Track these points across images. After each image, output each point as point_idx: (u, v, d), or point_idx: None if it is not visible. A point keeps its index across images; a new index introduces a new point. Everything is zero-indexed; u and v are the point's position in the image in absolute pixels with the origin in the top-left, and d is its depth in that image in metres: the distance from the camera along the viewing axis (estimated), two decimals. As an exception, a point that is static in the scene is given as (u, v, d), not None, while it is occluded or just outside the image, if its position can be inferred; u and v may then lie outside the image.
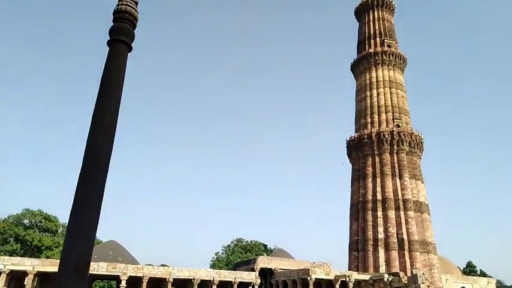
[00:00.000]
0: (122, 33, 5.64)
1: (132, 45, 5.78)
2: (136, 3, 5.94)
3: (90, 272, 28.23)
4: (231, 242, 62.80)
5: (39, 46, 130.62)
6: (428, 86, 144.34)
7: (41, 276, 30.09)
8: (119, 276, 30.05)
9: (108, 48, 5.70)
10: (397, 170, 44.60)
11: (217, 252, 62.53)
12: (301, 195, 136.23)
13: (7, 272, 27.68)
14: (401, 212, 42.90)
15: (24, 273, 29.23)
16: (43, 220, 52.71)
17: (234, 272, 35.19)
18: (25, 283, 29.84)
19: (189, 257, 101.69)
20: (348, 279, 27.62)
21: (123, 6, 5.74)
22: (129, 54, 5.80)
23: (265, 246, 60.48)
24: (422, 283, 22.30)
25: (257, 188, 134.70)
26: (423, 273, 25.04)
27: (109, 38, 5.70)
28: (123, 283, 29.67)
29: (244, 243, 61.64)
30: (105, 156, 4.98)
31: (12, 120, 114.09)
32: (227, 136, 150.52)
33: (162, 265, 44.77)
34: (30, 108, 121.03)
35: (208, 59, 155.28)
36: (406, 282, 24.03)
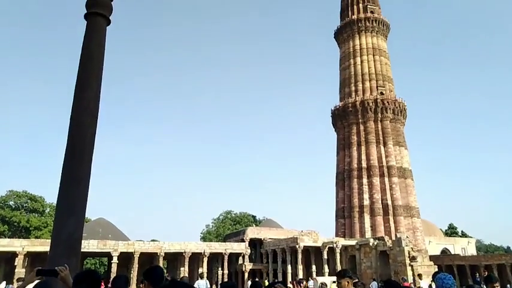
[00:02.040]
0: (100, 6, 5.46)
1: (110, 18, 5.60)
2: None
3: (81, 250, 28.40)
4: (220, 214, 63.71)
5: (17, 18, 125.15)
6: (410, 52, 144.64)
7: (31, 256, 30.15)
8: (110, 252, 30.30)
9: (85, 22, 5.52)
10: (381, 138, 45.25)
11: (208, 225, 63.46)
12: (288, 165, 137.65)
13: (-4, 254, 27.62)
14: (386, 179, 43.89)
15: (14, 254, 29.23)
16: (29, 201, 52.24)
17: (224, 243, 35.85)
18: (15, 264, 29.92)
19: (179, 231, 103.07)
20: (335, 245, 28.41)
21: (99, -24, 5.50)
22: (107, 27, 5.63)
23: (254, 217, 61.47)
24: (406, 245, 23.12)
25: (244, 160, 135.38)
26: (407, 236, 25.91)
27: (86, 12, 5.51)
28: (115, 259, 29.96)
29: (233, 215, 62.51)
30: (90, 131, 4.92)
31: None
32: (212, 109, 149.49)
33: (153, 240, 45.29)
34: (10, 84, 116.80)
35: (191, 31, 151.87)
36: (391, 245, 24.86)
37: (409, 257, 22.59)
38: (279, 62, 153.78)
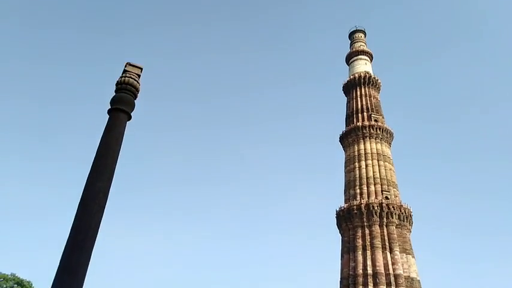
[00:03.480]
0: (123, 103, 5.92)
1: (131, 114, 6.05)
2: (139, 76, 6.32)
3: None
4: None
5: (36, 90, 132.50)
6: (413, 159, 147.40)
7: None
8: None
9: (108, 116, 5.93)
10: (387, 243, 43.99)
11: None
12: (290, 269, 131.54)
13: None
14: (393, 288, 41.56)
15: None
16: (15, 285, 49.59)
17: None
18: None
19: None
20: None
21: (126, 78, 6.09)
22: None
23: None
24: None
25: (247, 263, 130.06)
26: None
27: (110, 107, 5.96)
28: None
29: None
30: (95, 222, 5.00)
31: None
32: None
33: None
34: (22, 164, 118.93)
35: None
36: None
37: None
38: (287, 157, 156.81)
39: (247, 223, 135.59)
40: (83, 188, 5.21)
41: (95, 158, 5.47)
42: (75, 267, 4.62)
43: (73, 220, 4.96)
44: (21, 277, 50.50)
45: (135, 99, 6.08)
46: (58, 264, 4.62)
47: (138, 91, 6.11)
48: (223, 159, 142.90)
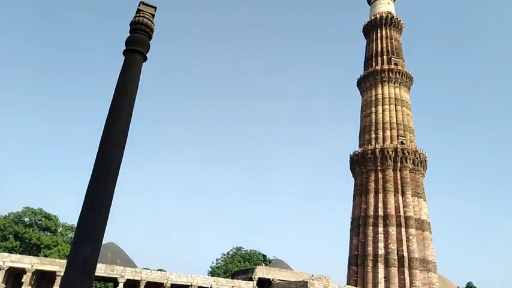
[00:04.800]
0: (138, 44, 5.83)
1: (147, 55, 5.98)
2: (153, 15, 6.15)
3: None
4: (231, 250, 62.78)
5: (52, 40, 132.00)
6: (433, 104, 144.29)
7: (39, 275, 30.16)
8: (116, 278, 30.05)
9: (123, 57, 5.89)
10: (399, 187, 44.60)
11: (217, 259, 62.48)
12: (302, 207, 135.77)
13: (6, 269, 27.77)
14: (403, 229, 42.79)
15: (22, 271, 29.34)
16: (43, 219, 52.86)
17: (231, 280, 35.07)
18: (23, 280, 29.94)
19: (187, 263, 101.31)
20: (345, 294, 27.43)
21: (140, 18, 5.94)
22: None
23: (264, 256, 60.26)
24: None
25: (258, 197, 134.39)
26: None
27: (125, 48, 5.89)
28: (121, 286, 29.66)
29: (243, 252, 61.46)
30: (116, 162, 5.15)
31: (17, 116, 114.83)
32: (232, 141, 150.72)
33: (159, 270, 44.65)
34: (38, 104, 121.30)
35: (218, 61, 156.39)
36: (404, 300, 23.82)
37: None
38: (300, 97, 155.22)
39: (263, 162, 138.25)
40: (102, 130, 5.31)
41: (112, 100, 5.51)
42: (98, 207, 4.85)
43: (95, 160, 5.12)
44: (47, 211, 53.81)
45: (150, 39, 5.96)
46: (83, 202, 4.85)
47: (152, 31, 5.97)
48: (240, 104, 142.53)
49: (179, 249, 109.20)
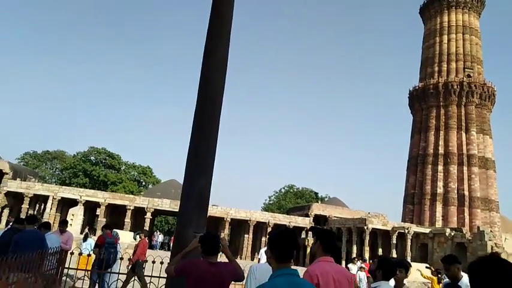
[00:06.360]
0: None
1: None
2: None
3: (155, 207, 29.53)
4: (283, 187, 64.23)
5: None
6: (505, 32, 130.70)
7: (111, 208, 32.66)
8: (180, 213, 31.88)
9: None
10: (463, 124, 42.09)
11: (270, 196, 64.41)
12: (354, 143, 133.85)
13: (83, 202, 30.26)
14: (465, 168, 41.06)
15: (96, 204, 31.90)
16: (107, 158, 56.37)
17: (288, 216, 36.08)
18: (97, 213, 32.66)
19: (240, 200, 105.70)
20: (406, 231, 27.26)
21: None
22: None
23: (316, 193, 61.19)
24: (490, 240, 21.48)
25: (311, 135, 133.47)
26: (491, 231, 24.06)
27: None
28: (185, 219, 31.47)
29: (295, 189, 62.73)
30: (219, 89, 4.87)
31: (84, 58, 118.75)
32: (288, 79, 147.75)
33: (213, 205, 46.75)
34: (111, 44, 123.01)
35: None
36: (470, 238, 23.25)
37: (491, 252, 21.00)
38: (355, 30, 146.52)
39: (317, 99, 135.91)
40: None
41: (208, 30, 5.13)
42: (206, 135, 4.67)
43: (198, 89, 4.84)
44: (111, 151, 57.16)
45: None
46: (191, 129, 4.67)
47: None
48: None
49: (232, 186, 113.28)
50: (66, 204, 31.70)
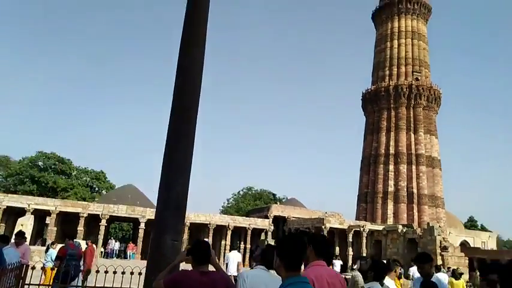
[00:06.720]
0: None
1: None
2: None
3: (110, 214, 28.32)
4: (241, 189, 64.19)
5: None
6: (450, 37, 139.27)
7: (62, 216, 30.98)
8: (137, 218, 30.89)
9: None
10: (412, 125, 44.33)
11: (228, 199, 64.11)
12: (310, 145, 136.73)
13: (31, 211, 28.47)
14: (413, 167, 43.23)
15: (46, 213, 30.12)
16: (57, 163, 53.47)
17: (248, 218, 36.09)
18: (47, 222, 30.85)
19: (198, 203, 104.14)
20: (361, 229, 28.21)
21: None
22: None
23: (274, 195, 61.72)
24: (438, 235, 22.75)
25: (267, 137, 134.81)
26: (439, 226, 25.52)
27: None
28: (142, 225, 30.56)
29: (254, 191, 62.89)
30: (197, 91, 4.77)
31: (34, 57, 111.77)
32: (244, 82, 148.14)
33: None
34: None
35: None
36: (421, 233, 24.50)
37: (440, 246, 22.29)
38: (310, 30, 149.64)
39: (273, 98, 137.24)
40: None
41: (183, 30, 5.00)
42: (182, 136, 4.57)
43: (173, 89, 4.73)
44: (61, 155, 54.31)
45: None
46: (166, 133, 4.55)
47: None
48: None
49: (190, 190, 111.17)
50: (12, 214, 29.64)
